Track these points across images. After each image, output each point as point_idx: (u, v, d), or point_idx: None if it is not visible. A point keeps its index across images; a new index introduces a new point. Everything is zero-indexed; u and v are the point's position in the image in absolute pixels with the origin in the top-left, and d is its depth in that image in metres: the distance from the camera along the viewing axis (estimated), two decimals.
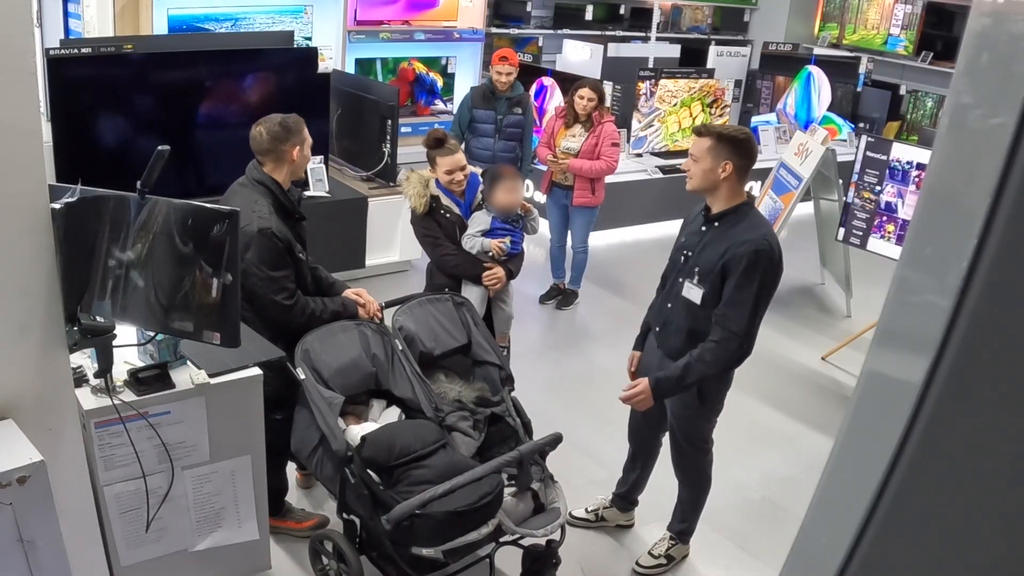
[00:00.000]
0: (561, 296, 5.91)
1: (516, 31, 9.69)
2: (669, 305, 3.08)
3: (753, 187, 7.59)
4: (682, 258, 3.02)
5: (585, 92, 5.39)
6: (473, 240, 3.71)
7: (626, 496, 3.61)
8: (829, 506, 0.97)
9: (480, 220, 3.75)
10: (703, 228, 2.97)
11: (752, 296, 2.80)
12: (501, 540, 2.94)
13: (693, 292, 2.93)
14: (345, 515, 2.94)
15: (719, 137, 2.85)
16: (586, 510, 3.67)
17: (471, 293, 3.73)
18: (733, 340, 2.84)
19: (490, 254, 3.72)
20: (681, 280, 3.00)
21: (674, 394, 3.03)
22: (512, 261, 3.80)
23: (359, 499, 2.82)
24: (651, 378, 2.98)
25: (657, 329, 3.16)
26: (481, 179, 3.86)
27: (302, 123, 3.12)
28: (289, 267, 3.04)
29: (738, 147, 2.84)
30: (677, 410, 3.17)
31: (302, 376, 2.93)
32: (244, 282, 2.95)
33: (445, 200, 3.74)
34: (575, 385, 4.89)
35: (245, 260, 2.94)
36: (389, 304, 3.38)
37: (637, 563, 3.43)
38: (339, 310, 3.18)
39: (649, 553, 3.44)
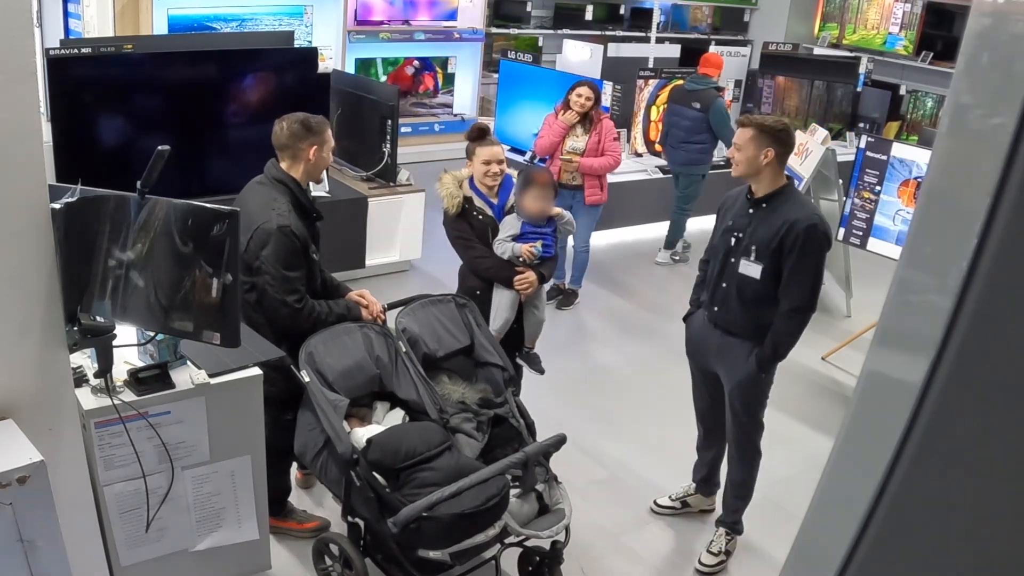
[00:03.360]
0: (561, 296, 5.92)
1: (516, 31, 9.69)
2: (723, 284, 3.25)
3: None
4: (733, 239, 3.21)
5: (584, 91, 5.46)
6: (504, 245, 3.67)
7: (708, 479, 3.69)
8: (829, 506, 0.96)
9: (510, 224, 3.70)
10: (750, 211, 3.18)
11: (812, 268, 3.10)
12: (506, 541, 2.94)
13: (752, 268, 3.15)
14: (350, 518, 2.93)
15: (760, 128, 3.10)
16: (670, 498, 3.78)
17: (502, 297, 3.69)
18: (801, 308, 3.11)
19: (521, 259, 3.69)
20: (734, 260, 3.20)
21: (773, 365, 3.25)
22: (544, 265, 3.77)
23: (365, 502, 2.81)
24: (757, 361, 3.22)
25: (715, 309, 3.30)
26: (515, 181, 3.83)
27: (326, 124, 3.11)
28: (303, 268, 3.03)
29: (777, 136, 3.10)
30: (742, 379, 3.26)
31: (306, 379, 2.92)
32: (256, 279, 2.95)
33: (478, 201, 3.71)
34: (575, 385, 4.89)
35: (260, 257, 2.93)
36: (392, 306, 3.37)
37: (700, 561, 3.47)
38: (343, 313, 3.17)
39: (708, 551, 3.48)
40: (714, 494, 3.73)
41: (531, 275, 3.69)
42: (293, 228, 2.96)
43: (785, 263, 3.07)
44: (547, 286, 3.92)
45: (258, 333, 2.99)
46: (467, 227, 3.71)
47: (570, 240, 5.81)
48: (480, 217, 3.71)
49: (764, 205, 3.15)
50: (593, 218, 5.72)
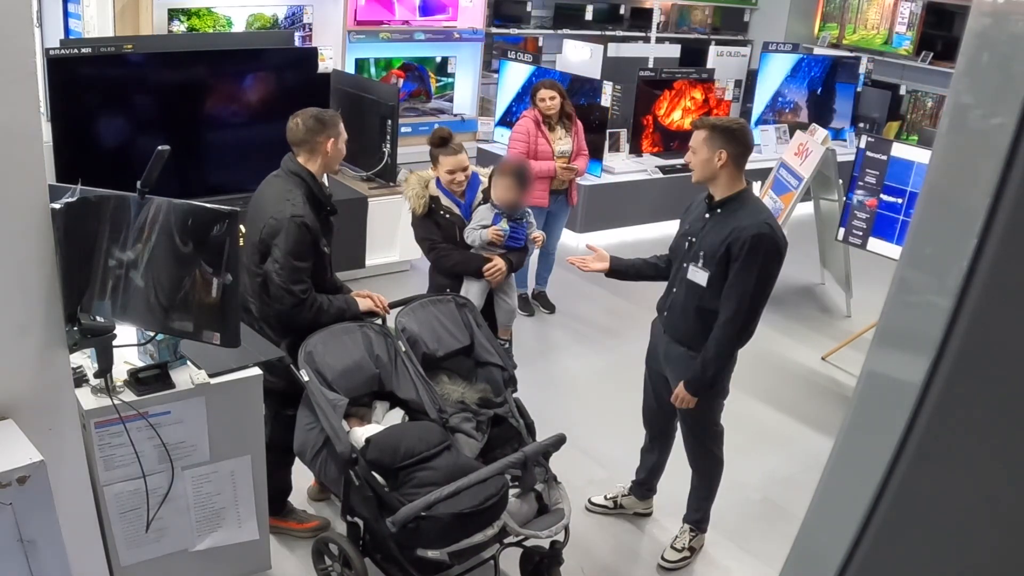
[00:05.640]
0: (539, 302, 5.87)
1: (516, 31, 9.69)
2: (674, 290, 3.20)
3: (753, 187, 7.59)
4: (686, 244, 3.14)
5: (545, 93, 5.27)
6: (474, 233, 3.70)
7: (644, 483, 3.67)
8: (829, 506, 0.96)
9: (483, 215, 3.73)
10: (707, 215, 3.10)
11: (753, 278, 2.95)
12: (505, 541, 2.94)
13: (699, 275, 3.06)
14: (349, 517, 2.93)
15: (712, 128, 2.99)
16: (605, 497, 3.74)
17: (471, 288, 3.71)
18: (734, 320, 2.98)
19: (489, 244, 3.70)
20: (686, 265, 3.11)
21: (708, 387, 3.14)
22: (514, 253, 3.79)
23: (364, 501, 2.81)
24: (684, 381, 3.13)
25: (665, 314, 3.26)
26: (482, 179, 3.85)
27: (338, 117, 3.16)
28: (311, 260, 3.05)
29: (731, 136, 2.97)
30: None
31: (306, 378, 2.92)
32: (265, 266, 2.99)
33: (445, 201, 3.73)
34: (574, 385, 4.89)
35: (272, 246, 2.97)
36: (392, 305, 3.37)
37: (663, 558, 3.45)
38: (343, 307, 3.17)
39: (672, 547, 3.47)
40: (649, 499, 3.71)
41: (499, 262, 3.71)
42: (306, 220, 2.99)
43: (732, 268, 2.96)
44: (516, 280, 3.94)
45: (270, 326, 3.02)
46: (433, 227, 3.73)
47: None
48: (447, 216, 3.73)
49: (720, 211, 3.05)
50: (567, 217, 5.74)
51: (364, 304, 3.23)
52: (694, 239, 3.10)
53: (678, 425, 3.47)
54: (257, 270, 3.02)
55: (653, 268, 3.38)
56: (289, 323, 3.06)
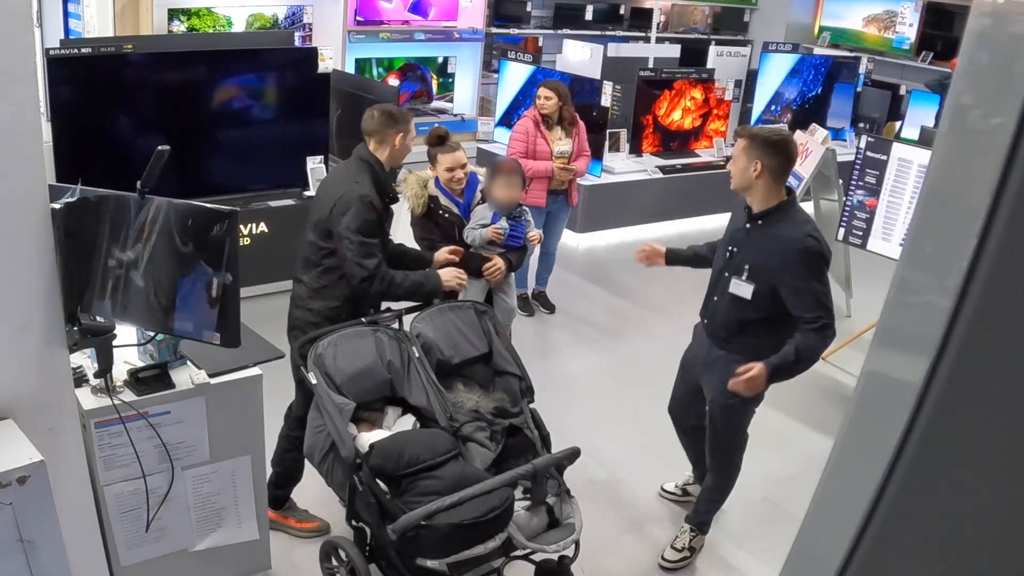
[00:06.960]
0: (539, 302, 5.88)
1: (516, 31, 9.69)
2: (715, 298, 3.20)
3: None
4: (727, 254, 3.12)
5: (542, 91, 5.33)
6: (473, 233, 3.71)
7: (702, 469, 3.66)
8: (829, 506, 0.97)
9: (481, 214, 3.74)
10: (747, 225, 3.08)
11: (817, 283, 2.93)
12: (512, 554, 2.88)
13: (742, 288, 3.04)
14: (354, 522, 2.91)
15: (752, 138, 2.99)
16: (675, 485, 3.84)
17: (471, 287, 3.71)
18: (827, 326, 2.92)
19: (489, 243, 3.71)
20: (727, 275, 3.10)
21: (786, 379, 3.02)
22: (513, 253, 3.79)
23: (367, 507, 2.78)
24: (766, 363, 2.94)
25: (706, 321, 3.27)
26: (480, 178, 3.86)
27: (409, 116, 3.36)
28: (379, 236, 3.18)
29: (769, 147, 2.95)
30: (721, 400, 3.21)
31: (313, 381, 2.88)
32: (335, 245, 3.12)
33: (444, 200, 3.74)
34: (574, 385, 4.89)
35: (341, 224, 3.09)
36: (409, 310, 3.34)
37: (663, 557, 3.46)
38: (421, 280, 3.25)
39: (672, 547, 3.47)
40: None
41: (499, 262, 3.71)
42: (373, 200, 3.12)
43: (784, 283, 2.94)
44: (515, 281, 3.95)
45: (321, 297, 3.16)
46: (432, 226, 3.75)
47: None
48: (447, 216, 3.74)
49: (760, 222, 3.03)
50: (567, 218, 5.75)
51: (448, 276, 3.31)
52: (735, 249, 3.09)
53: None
54: (322, 244, 3.16)
55: (706, 262, 3.43)
56: (361, 296, 3.17)
